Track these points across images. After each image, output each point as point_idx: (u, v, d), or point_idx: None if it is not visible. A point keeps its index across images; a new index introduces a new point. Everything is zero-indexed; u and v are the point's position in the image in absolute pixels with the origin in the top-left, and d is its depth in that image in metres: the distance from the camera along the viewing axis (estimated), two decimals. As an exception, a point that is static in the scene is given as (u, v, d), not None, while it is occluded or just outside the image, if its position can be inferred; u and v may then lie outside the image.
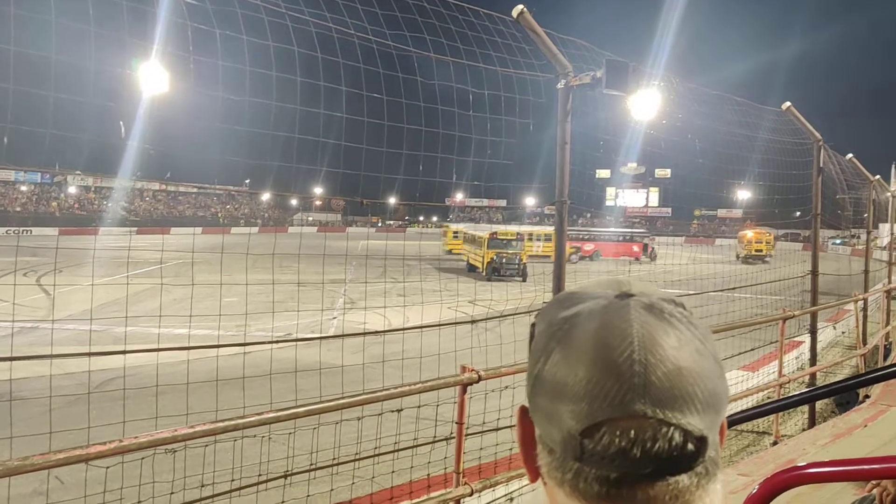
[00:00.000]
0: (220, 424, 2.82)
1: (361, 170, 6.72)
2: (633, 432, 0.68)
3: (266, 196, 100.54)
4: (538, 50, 5.79)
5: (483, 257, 37.37)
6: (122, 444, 2.58)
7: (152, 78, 5.79)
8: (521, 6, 5.44)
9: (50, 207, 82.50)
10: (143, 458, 4.29)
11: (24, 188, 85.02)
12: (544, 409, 0.74)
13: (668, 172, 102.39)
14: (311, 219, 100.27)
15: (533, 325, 0.85)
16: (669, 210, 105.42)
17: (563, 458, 0.72)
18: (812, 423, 9.45)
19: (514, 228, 41.86)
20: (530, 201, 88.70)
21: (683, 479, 0.70)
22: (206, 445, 4.48)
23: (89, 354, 4.84)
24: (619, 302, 0.76)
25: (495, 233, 38.85)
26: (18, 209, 79.54)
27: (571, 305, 0.78)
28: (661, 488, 0.69)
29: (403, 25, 5.52)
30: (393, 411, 4.96)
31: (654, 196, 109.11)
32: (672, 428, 0.69)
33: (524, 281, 34.03)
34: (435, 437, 5.62)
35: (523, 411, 0.80)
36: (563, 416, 0.71)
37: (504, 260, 36.60)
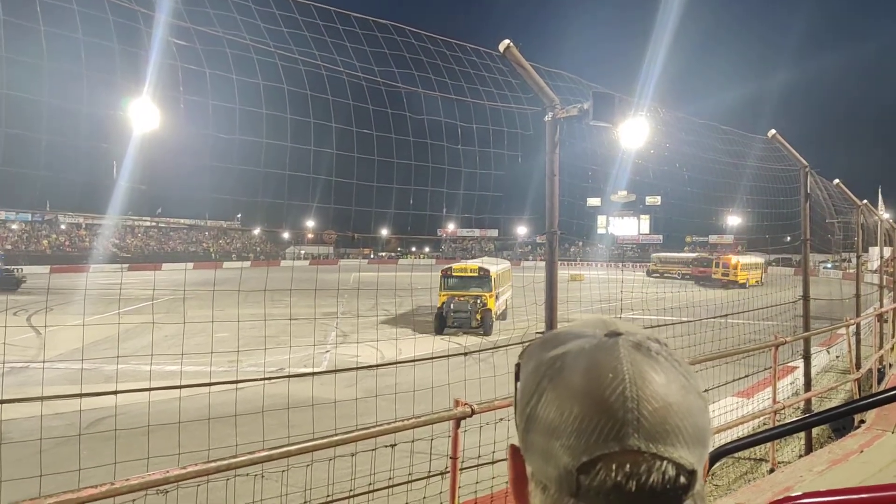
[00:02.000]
0: (213, 465, 2.80)
1: (353, 205, 6.76)
2: (628, 467, 0.70)
3: (258, 230, 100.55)
4: (525, 83, 5.87)
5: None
6: (114, 487, 2.56)
7: (143, 116, 5.84)
8: (507, 41, 5.53)
9: (41, 245, 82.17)
10: (134, 500, 4.24)
11: (14, 227, 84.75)
12: (539, 447, 0.75)
13: (658, 200, 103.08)
14: (303, 252, 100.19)
15: (518, 365, 0.87)
16: (661, 237, 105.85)
17: (557, 496, 0.74)
18: (809, 448, 9.42)
19: (474, 263, 31.84)
20: (522, 231, 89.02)
21: None
22: (199, 485, 4.43)
23: (80, 395, 4.80)
24: (608, 341, 0.79)
25: (449, 268, 29.56)
26: (9, 247, 79.17)
27: (559, 345, 0.81)
28: None
29: (392, 62, 5.60)
30: (387, 446, 4.93)
31: (644, 224, 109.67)
32: (665, 462, 0.71)
33: (486, 334, 25.98)
34: (430, 471, 5.57)
35: (514, 450, 0.82)
36: (559, 453, 0.73)
37: (452, 306, 26.77)
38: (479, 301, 27.46)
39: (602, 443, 0.71)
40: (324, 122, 5.57)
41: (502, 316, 30.78)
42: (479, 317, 26.93)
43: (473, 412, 3.99)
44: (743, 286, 50.33)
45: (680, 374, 0.77)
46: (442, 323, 26.66)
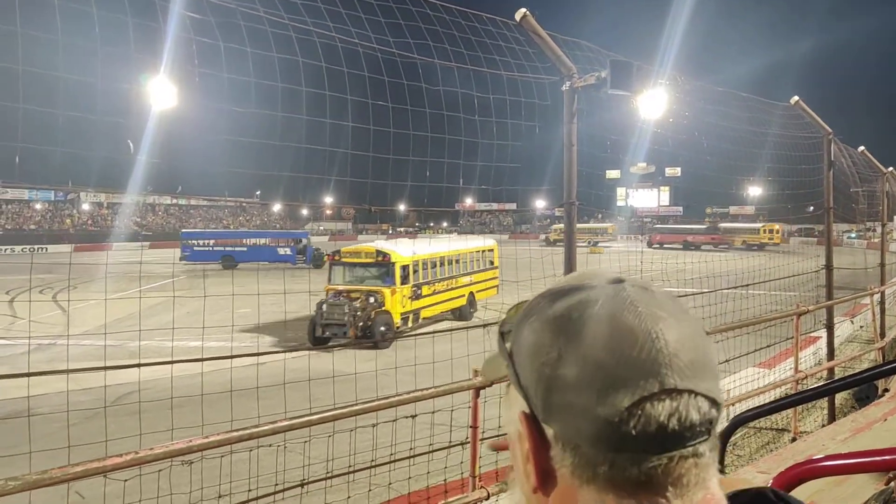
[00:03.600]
0: (235, 434, 2.83)
1: (369, 177, 6.74)
2: (669, 405, 0.71)
3: (277, 207, 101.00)
4: (542, 53, 5.79)
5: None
6: (139, 456, 2.60)
7: (161, 93, 5.85)
8: (523, 10, 5.45)
9: (64, 225, 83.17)
10: (160, 471, 4.32)
11: (38, 206, 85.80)
12: (567, 406, 0.73)
13: (678, 171, 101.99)
14: (322, 228, 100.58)
15: (504, 332, 0.86)
16: (681, 209, 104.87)
17: (593, 451, 0.72)
18: (832, 418, 9.38)
19: (372, 245, 22.49)
20: (540, 203, 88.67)
21: (705, 448, 0.74)
22: (223, 456, 4.50)
23: (104, 369, 4.88)
24: (616, 287, 0.78)
25: (337, 252, 21.84)
26: (33, 227, 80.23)
27: (564, 297, 0.79)
28: (691, 460, 0.72)
29: (407, 33, 5.55)
30: (407, 417, 4.97)
31: (665, 195, 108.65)
32: (698, 396, 0.73)
33: (381, 348, 17.94)
34: (451, 442, 5.62)
35: (528, 417, 0.78)
36: (595, 406, 0.71)
37: (324, 310, 19.33)
38: (372, 300, 19.84)
39: (641, 386, 0.71)
40: (339, 94, 5.54)
41: (462, 314, 24.18)
42: (370, 322, 19.43)
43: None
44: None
45: (682, 311, 0.79)
46: (314, 331, 19.37)
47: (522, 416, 0.79)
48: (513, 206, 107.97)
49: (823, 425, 9.25)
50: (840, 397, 10.40)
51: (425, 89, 6.04)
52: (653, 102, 6.93)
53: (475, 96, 6.47)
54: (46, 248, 67.49)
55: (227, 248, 47.43)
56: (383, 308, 20.27)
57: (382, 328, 19.78)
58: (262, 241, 49.58)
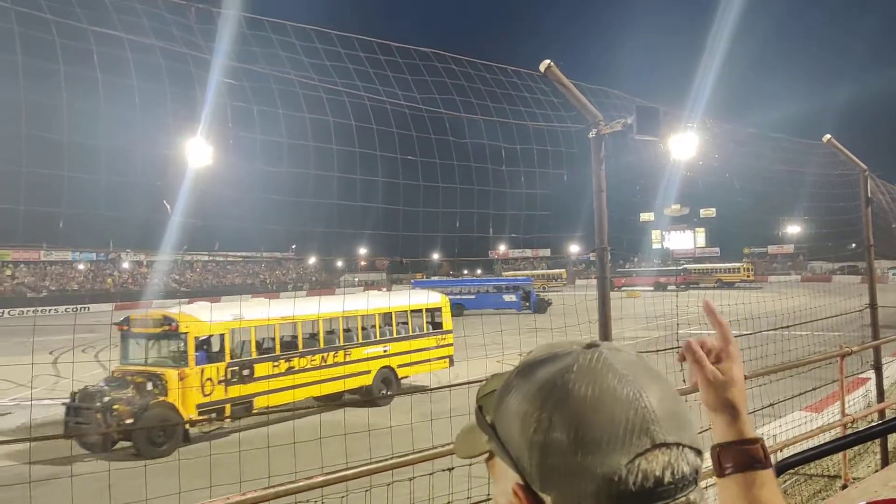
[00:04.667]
0: (271, 490, 2.85)
1: (399, 230, 6.85)
2: (663, 459, 0.74)
3: (312, 260, 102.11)
4: (568, 101, 5.87)
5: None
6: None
7: (197, 152, 6.05)
8: (547, 61, 5.55)
9: (105, 284, 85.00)
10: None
11: (80, 266, 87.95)
12: (563, 470, 0.75)
13: (713, 212, 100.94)
14: (356, 279, 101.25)
15: (482, 407, 0.87)
16: (717, 250, 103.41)
17: None
18: (884, 462, 9.03)
19: (159, 311, 17.51)
20: (574, 249, 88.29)
21: (695, 496, 0.77)
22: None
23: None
24: (593, 352, 0.81)
25: (125, 320, 16.76)
26: (76, 287, 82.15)
27: (543, 366, 0.81)
28: None
29: (433, 89, 5.69)
30: (444, 470, 4.92)
31: (700, 236, 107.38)
32: (685, 448, 0.76)
33: (161, 454, 13.31)
34: (489, 494, 5.54)
35: (523, 488, 0.78)
36: (592, 466, 0.73)
37: (76, 402, 14.15)
38: (151, 387, 14.44)
39: (635, 444, 0.73)
40: (370, 151, 5.68)
41: (370, 393, 18.30)
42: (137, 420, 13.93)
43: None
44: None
45: (653, 370, 0.82)
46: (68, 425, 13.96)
47: (518, 488, 0.79)
48: (547, 252, 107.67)
49: (876, 470, 8.91)
50: (893, 440, 10.03)
51: (453, 142, 6.17)
52: (683, 146, 6.95)
53: (503, 147, 6.57)
54: (89, 308, 68.88)
55: (457, 297, 47.02)
56: (162, 399, 14.37)
57: (161, 428, 14.12)
58: (489, 288, 49.77)
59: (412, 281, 56.91)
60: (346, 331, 18.83)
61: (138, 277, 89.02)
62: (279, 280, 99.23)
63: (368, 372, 18.52)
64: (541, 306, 45.28)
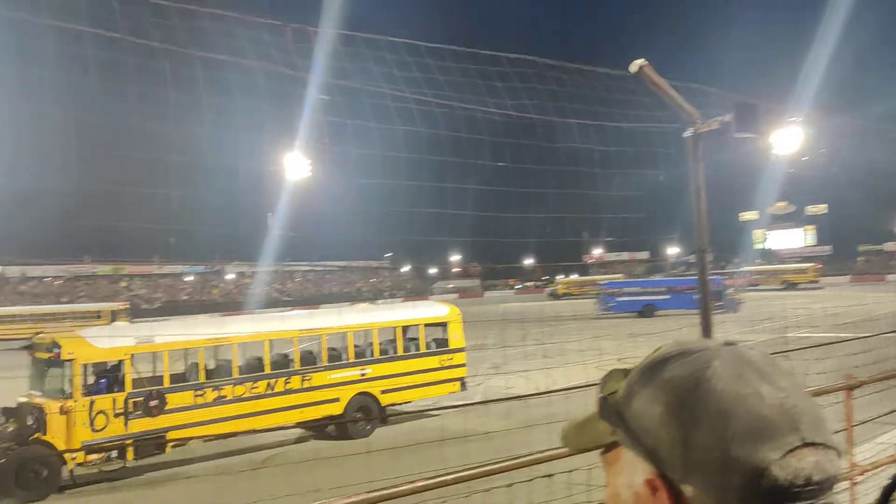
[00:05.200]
0: (376, 494, 2.92)
1: (491, 236, 6.86)
2: (813, 458, 0.74)
3: (406, 268, 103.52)
4: (662, 102, 5.75)
5: None
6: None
7: (295, 167, 6.27)
8: (640, 61, 5.45)
9: (212, 294, 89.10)
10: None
11: (188, 279, 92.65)
12: (712, 462, 0.75)
13: (823, 208, 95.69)
14: (451, 286, 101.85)
15: (606, 397, 0.88)
16: (829, 248, 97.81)
17: None
18: None
19: (46, 337, 14.52)
20: (673, 251, 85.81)
21: (834, 498, 0.77)
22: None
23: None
24: (731, 349, 0.83)
25: (30, 343, 14.60)
26: (185, 297, 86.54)
27: (678, 362, 0.82)
28: None
29: (524, 94, 5.69)
30: (544, 476, 4.89)
31: (810, 235, 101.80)
32: (831, 450, 0.77)
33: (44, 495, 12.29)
34: (590, 501, 5.46)
35: (661, 479, 0.79)
36: (743, 459, 0.74)
37: None
38: (31, 422, 12.60)
39: (786, 440, 0.74)
40: (460, 159, 5.73)
41: (340, 427, 15.67)
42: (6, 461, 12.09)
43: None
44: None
45: (784, 367, 0.82)
46: None
47: (655, 480, 0.79)
48: (644, 255, 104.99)
49: None
50: None
51: (545, 147, 6.15)
52: (786, 141, 6.68)
53: (596, 150, 6.51)
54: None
55: (650, 298, 47.18)
56: (37, 436, 12.46)
57: (26, 472, 12.11)
58: (684, 288, 49.19)
59: (605, 282, 54.66)
60: (308, 353, 16.68)
61: (242, 288, 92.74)
62: (375, 288, 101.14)
63: (337, 400, 15.75)
64: (731, 305, 42.55)
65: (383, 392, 16.31)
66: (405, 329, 17.74)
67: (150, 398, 13.47)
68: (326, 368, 15.99)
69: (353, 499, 2.91)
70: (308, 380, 15.59)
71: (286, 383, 15.31)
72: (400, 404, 16.73)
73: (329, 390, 15.73)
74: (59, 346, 13.22)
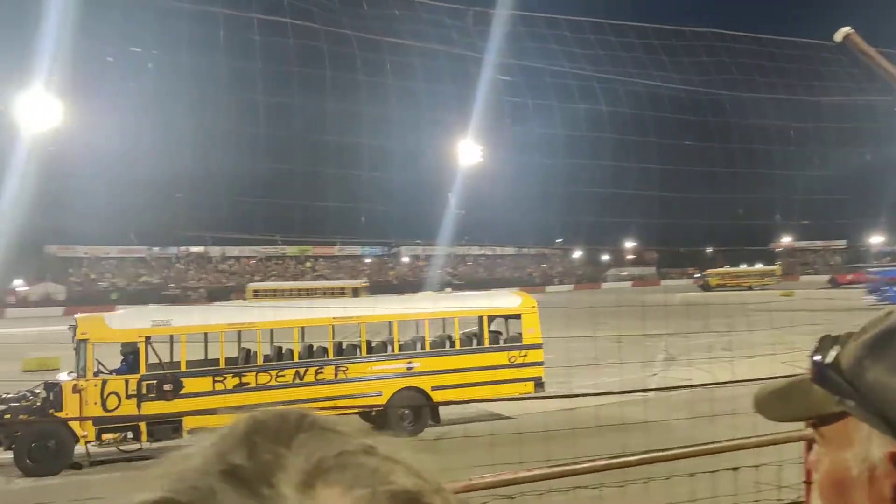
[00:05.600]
0: (556, 469, 2.96)
1: (671, 218, 6.60)
2: None
3: (578, 253, 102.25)
4: (870, 73, 5.25)
5: None
6: (471, 483, 2.85)
7: (468, 150, 6.41)
8: (847, 28, 5.00)
9: (388, 276, 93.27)
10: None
11: (367, 260, 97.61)
12: None
13: None
14: (624, 273, 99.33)
15: (832, 366, 0.82)
16: None
17: None
18: None
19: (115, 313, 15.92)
20: (876, 240, 78.11)
21: None
22: (541, 494, 4.66)
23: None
24: None
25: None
26: (363, 279, 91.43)
27: None
28: None
29: (712, 69, 5.42)
30: (728, 469, 4.69)
31: None
32: None
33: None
34: (780, 500, 5.17)
35: None
36: None
37: None
38: (49, 397, 13.21)
39: None
40: (642, 138, 5.57)
41: (387, 421, 14.53)
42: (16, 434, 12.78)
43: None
44: None
45: None
46: None
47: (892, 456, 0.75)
48: (841, 243, 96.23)
49: None
50: None
51: (733, 124, 5.82)
52: None
53: (791, 127, 6.06)
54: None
55: None
56: (52, 413, 12.83)
57: (39, 445, 12.58)
58: None
59: (879, 271, 47.84)
60: (347, 343, 15.79)
61: (416, 270, 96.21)
62: (545, 274, 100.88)
63: (379, 394, 14.80)
64: None
65: (434, 388, 15.12)
66: (482, 320, 16.44)
67: (165, 382, 13.56)
68: (365, 360, 15.14)
69: (537, 471, 2.97)
70: (343, 371, 14.80)
71: (317, 373, 14.67)
72: (458, 402, 15.27)
73: (368, 383, 14.80)
74: (77, 326, 13.56)
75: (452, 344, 15.90)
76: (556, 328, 19.00)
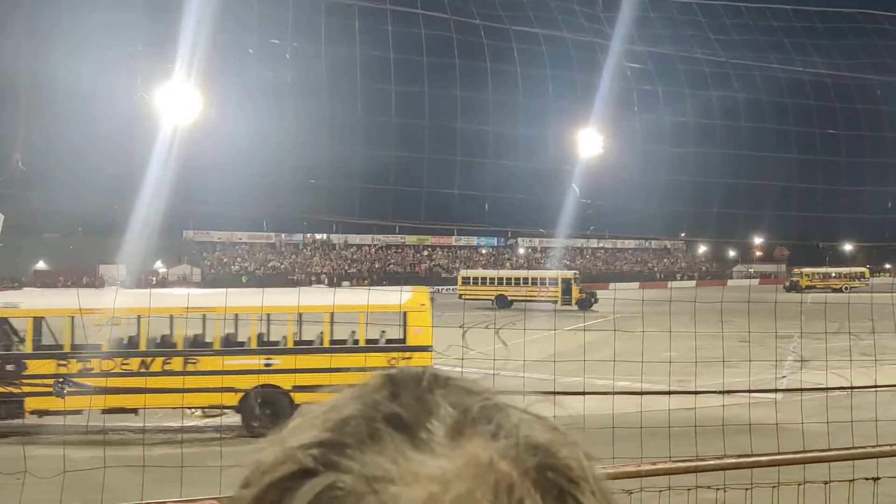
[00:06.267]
0: (681, 465, 2.89)
1: (806, 211, 6.25)
2: None
3: (703, 249, 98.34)
4: None
5: None
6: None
7: (590, 141, 6.31)
8: None
9: (504, 267, 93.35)
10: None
11: (483, 251, 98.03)
12: None
13: None
14: (752, 270, 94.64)
15: None
16: None
17: None
18: None
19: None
20: None
21: None
22: (661, 491, 4.56)
23: (553, 393, 5.35)
24: None
25: None
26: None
27: None
28: None
29: (861, 52, 5.07)
30: (867, 479, 4.40)
31: None
32: None
33: None
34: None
35: None
36: None
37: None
38: None
39: None
40: (782, 126, 5.30)
41: (245, 411, 14.33)
42: None
43: None
44: None
45: None
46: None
47: None
48: None
49: None
50: None
51: (885, 112, 5.42)
52: None
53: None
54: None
55: None
56: None
57: None
58: None
59: None
60: (202, 336, 15.30)
61: (533, 262, 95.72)
62: (667, 269, 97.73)
63: (232, 390, 13.77)
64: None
65: (295, 388, 14.12)
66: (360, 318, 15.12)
67: (7, 362, 13.89)
68: (218, 353, 14.48)
69: (660, 465, 2.91)
70: (193, 363, 14.25)
71: (165, 364, 14.21)
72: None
73: (220, 378, 13.74)
74: None
75: (321, 342, 15.04)
76: (677, 324, 18.38)
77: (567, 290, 47.81)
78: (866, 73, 5.16)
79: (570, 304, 46.10)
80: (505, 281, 53.43)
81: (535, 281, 51.72)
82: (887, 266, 79.91)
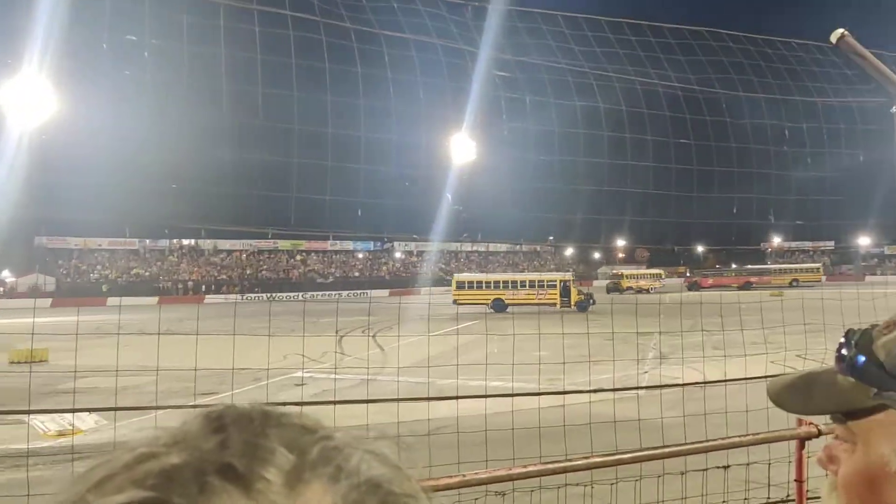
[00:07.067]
0: (549, 466, 2.96)
1: (663, 217, 6.62)
2: None
3: (569, 251, 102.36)
4: (864, 74, 5.27)
5: None
6: (465, 480, 2.84)
7: (462, 146, 6.40)
8: (840, 30, 5.01)
9: (381, 271, 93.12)
10: (475, 500, 4.61)
11: (360, 255, 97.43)
12: None
13: None
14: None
15: (872, 360, 0.81)
16: None
17: None
18: None
19: None
20: (863, 241, 78.74)
21: None
22: (532, 490, 4.67)
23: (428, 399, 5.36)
24: None
25: None
26: (357, 274, 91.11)
27: None
28: None
29: (708, 68, 5.42)
30: (719, 467, 4.71)
31: None
32: None
33: None
34: (769, 498, 5.19)
35: None
36: None
37: None
38: None
39: None
40: (639, 135, 5.57)
41: None
42: None
43: (820, 433, 3.64)
44: None
45: None
46: None
47: None
48: (830, 244, 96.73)
49: None
50: None
51: (729, 123, 5.83)
52: None
53: (785, 126, 6.08)
54: (368, 293, 75.80)
55: None
56: None
57: None
58: None
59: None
60: None
61: (409, 266, 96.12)
62: (537, 271, 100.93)
63: None
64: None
65: None
66: None
67: None
68: None
69: (531, 468, 2.97)
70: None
71: None
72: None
73: None
74: None
75: None
76: (545, 326, 19.00)
77: (566, 292, 47.72)
78: (713, 87, 5.52)
79: (570, 306, 45.40)
80: (502, 284, 52.78)
81: (534, 284, 51.57)
82: (733, 266, 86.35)
